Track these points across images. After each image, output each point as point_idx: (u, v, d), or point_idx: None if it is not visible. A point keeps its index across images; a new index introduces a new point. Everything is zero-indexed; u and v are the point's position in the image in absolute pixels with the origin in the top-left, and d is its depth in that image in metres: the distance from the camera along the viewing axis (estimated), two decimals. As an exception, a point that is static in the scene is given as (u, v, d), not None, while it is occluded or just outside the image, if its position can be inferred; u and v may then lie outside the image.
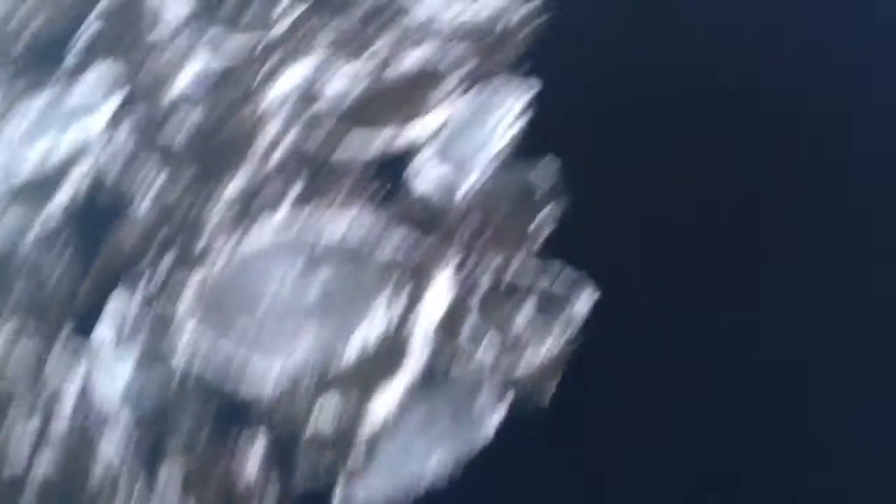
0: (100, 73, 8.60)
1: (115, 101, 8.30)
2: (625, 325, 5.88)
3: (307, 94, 7.82)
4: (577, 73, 7.30)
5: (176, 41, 8.69)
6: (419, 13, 8.20)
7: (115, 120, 8.15)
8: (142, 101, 8.26)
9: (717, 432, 5.36)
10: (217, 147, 7.66)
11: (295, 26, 8.48)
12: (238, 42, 8.48)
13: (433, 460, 5.56)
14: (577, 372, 5.74)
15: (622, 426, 5.50)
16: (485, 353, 5.94)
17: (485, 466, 5.52)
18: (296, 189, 7.15)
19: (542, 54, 7.54)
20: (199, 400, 6.15)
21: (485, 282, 6.29)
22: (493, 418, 5.65)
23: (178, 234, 7.14)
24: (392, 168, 7.13)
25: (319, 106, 7.70)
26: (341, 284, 6.47)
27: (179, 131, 7.88)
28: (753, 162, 6.49)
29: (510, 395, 5.72)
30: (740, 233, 6.18)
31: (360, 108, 7.62)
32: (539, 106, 7.24)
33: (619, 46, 7.39)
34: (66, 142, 8.07)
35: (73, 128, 8.17)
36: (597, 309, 6.00)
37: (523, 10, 7.89)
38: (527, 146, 7.04)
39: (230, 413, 6.06)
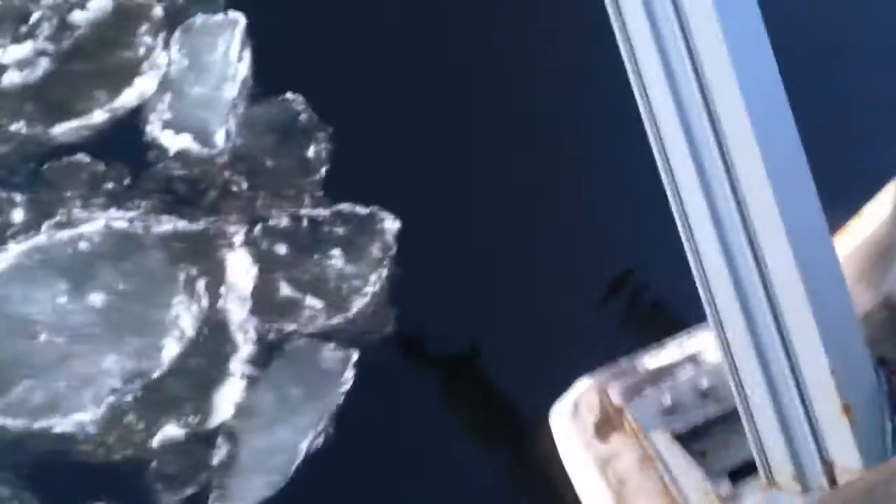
0: None
1: None
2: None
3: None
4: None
5: None
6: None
7: None
8: None
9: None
10: None
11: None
12: None
13: (300, 431, 5.49)
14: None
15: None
16: (309, 316, 5.89)
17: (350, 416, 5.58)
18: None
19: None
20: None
21: (281, 247, 6.16)
22: (345, 372, 5.68)
23: None
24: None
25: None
26: (122, 300, 5.94)
27: None
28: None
29: (352, 346, 5.77)
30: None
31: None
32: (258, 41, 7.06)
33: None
34: None
35: None
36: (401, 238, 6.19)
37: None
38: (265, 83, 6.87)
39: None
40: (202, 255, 6.07)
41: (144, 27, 7.00)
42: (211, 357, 5.68)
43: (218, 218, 6.23)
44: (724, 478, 4.49)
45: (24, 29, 6.94)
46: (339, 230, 6.22)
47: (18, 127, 6.51)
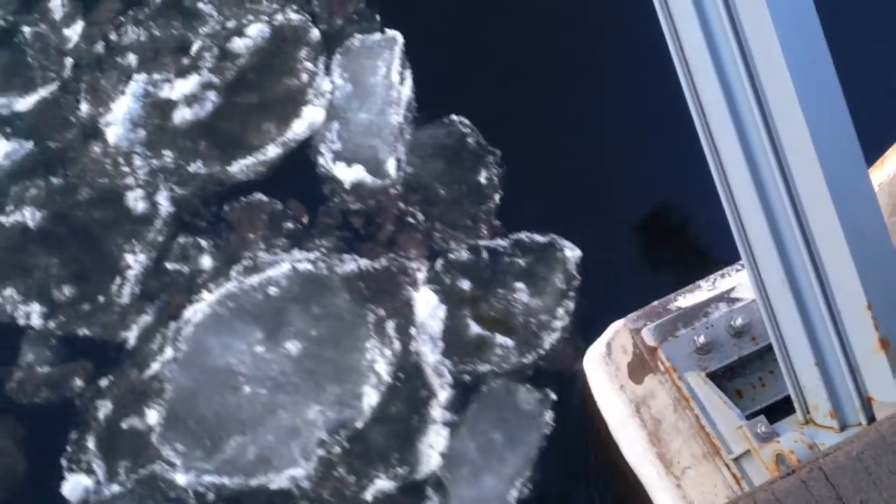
0: None
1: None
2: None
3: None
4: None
5: None
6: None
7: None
8: None
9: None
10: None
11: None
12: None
13: (506, 479, 5.56)
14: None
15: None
16: (501, 355, 5.89)
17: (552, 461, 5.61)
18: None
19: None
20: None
21: (464, 282, 6.15)
22: (544, 414, 5.69)
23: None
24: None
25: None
26: (316, 347, 6.02)
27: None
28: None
29: (548, 385, 5.77)
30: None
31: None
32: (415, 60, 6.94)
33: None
34: None
35: None
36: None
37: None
38: (427, 105, 6.78)
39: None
40: (388, 294, 6.11)
41: (304, 52, 6.93)
42: (410, 403, 5.76)
43: (398, 254, 6.24)
44: (760, 416, 4.45)
45: (185, 61, 6.95)
46: (520, 261, 6.17)
47: (196, 167, 6.61)
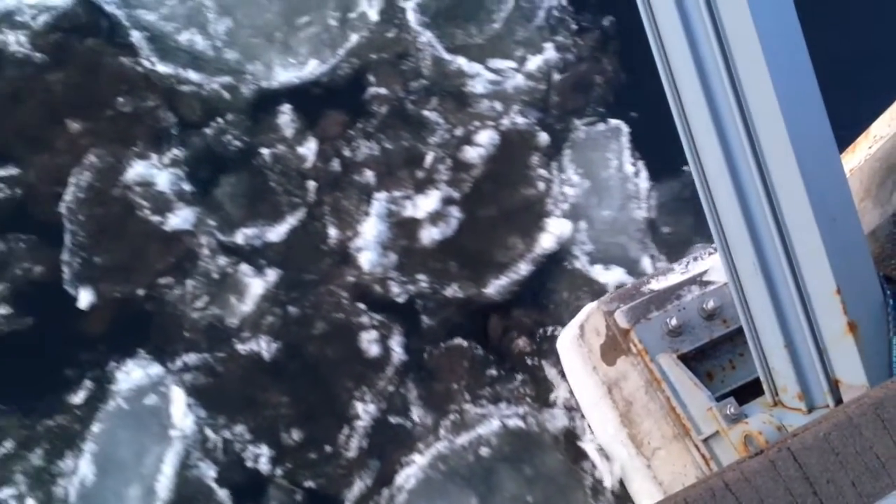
0: None
1: None
2: None
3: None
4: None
5: None
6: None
7: None
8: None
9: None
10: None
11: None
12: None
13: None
14: None
15: None
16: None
17: None
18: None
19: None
20: None
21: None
22: None
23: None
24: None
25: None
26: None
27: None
28: None
29: None
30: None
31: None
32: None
33: None
34: None
35: None
36: None
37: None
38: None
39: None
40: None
41: (534, 154, 6.74)
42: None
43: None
44: (729, 398, 4.53)
45: (420, 174, 6.66)
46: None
47: (453, 291, 6.29)
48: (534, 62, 7.03)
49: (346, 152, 6.69)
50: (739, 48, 3.68)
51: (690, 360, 4.86)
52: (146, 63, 6.77)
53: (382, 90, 6.86)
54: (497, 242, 6.44)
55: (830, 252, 3.83)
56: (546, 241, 6.43)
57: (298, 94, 6.82)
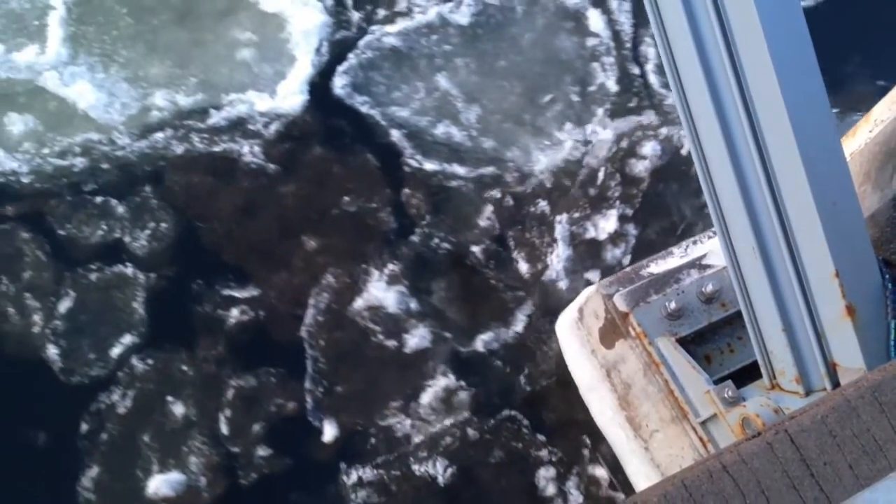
0: None
1: None
2: None
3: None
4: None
5: None
6: None
7: None
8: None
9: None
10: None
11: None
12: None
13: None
14: None
15: None
16: None
17: None
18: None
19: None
20: None
21: None
22: None
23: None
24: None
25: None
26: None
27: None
28: None
29: None
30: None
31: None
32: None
33: None
34: None
35: None
36: None
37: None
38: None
39: None
40: None
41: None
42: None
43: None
44: (727, 381, 4.55)
45: (592, 191, 6.64)
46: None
47: None
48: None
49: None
50: (741, 31, 3.67)
51: (689, 344, 4.86)
52: (412, 162, 6.70)
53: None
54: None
55: (829, 236, 3.83)
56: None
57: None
